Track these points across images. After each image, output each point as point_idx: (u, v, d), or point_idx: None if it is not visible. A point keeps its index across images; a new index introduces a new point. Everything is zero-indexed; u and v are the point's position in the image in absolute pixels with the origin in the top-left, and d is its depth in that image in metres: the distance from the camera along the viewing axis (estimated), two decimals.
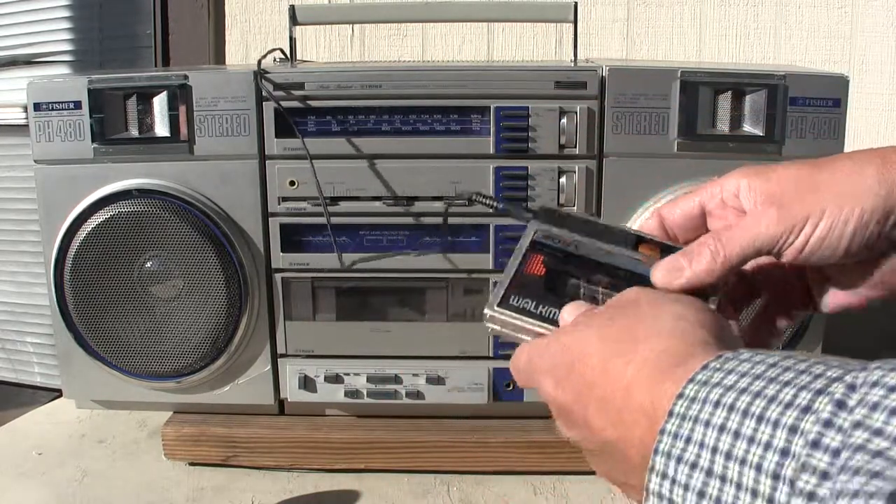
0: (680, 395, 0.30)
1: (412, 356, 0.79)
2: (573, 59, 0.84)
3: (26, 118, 0.76)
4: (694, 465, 0.28)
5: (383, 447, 0.79)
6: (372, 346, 0.79)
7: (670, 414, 0.30)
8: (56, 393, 0.99)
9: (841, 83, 0.72)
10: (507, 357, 0.80)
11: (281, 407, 0.83)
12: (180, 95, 0.74)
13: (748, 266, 0.43)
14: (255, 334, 0.79)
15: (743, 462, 0.27)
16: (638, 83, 0.73)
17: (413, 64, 0.95)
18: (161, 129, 0.75)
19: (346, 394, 0.79)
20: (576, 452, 0.81)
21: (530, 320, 0.42)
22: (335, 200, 0.76)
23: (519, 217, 0.47)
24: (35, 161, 0.77)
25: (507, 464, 0.79)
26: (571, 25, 0.84)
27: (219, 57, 1.24)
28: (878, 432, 0.24)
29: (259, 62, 0.76)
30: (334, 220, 0.76)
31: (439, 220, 0.76)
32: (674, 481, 0.29)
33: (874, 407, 0.25)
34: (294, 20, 0.87)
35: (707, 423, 0.28)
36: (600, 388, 0.35)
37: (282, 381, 0.80)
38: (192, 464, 0.81)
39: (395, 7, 0.92)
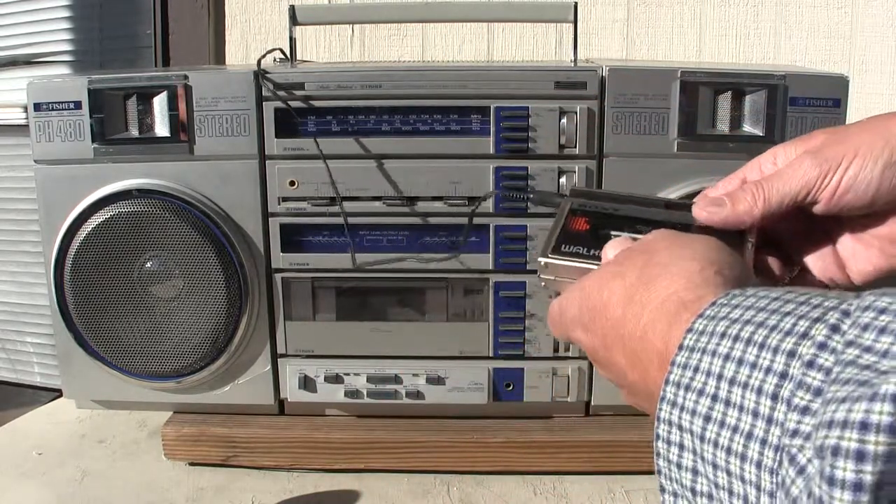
0: (689, 330, 0.32)
1: (412, 356, 0.79)
2: (573, 59, 0.84)
3: (26, 118, 0.76)
4: (701, 392, 0.30)
5: (383, 447, 0.79)
6: (372, 346, 0.79)
7: (680, 347, 0.32)
8: (56, 393, 0.99)
9: (841, 83, 0.72)
10: (507, 357, 0.81)
11: (281, 407, 0.83)
12: (180, 95, 0.74)
13: (784, 229, 0.46)
14: (255, 334, 0.79)
15: (745, 386, 0.28)
16: (638, 83, 0.73)
17: (413, 64, 0.95)
18: (161, 129, 0.75)
19: (346, 394, 0.79)
20: (576, 452, 0.81)
21: (581, 261, 0.45)
22: (335, 200, 0.76)
23: (552, 202, 0.50)
24: (35, 161, 0.77)
25: (507, 464, 0.79)
26: (571, 25, 0.84)
27: (219, 57, 1.24)
28: (867, 349, 0.26)
29: (259, 62, 0.76)
30: (335, 219, 0.76)
31: (439, 220, 0.76)
32: (682, 408, 0.31)
33: (865, 327, 0.26)
34: (294, 20, 0.87)
35: (713, 353, 0.30)
36: (622, 332, 0.37)
37: (282, 381, 0.80)
38: (192, 464, 0.81)
39: (395, 7, 0.92)
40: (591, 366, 0.79)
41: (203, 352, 0.77)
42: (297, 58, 0.90)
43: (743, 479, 0.28)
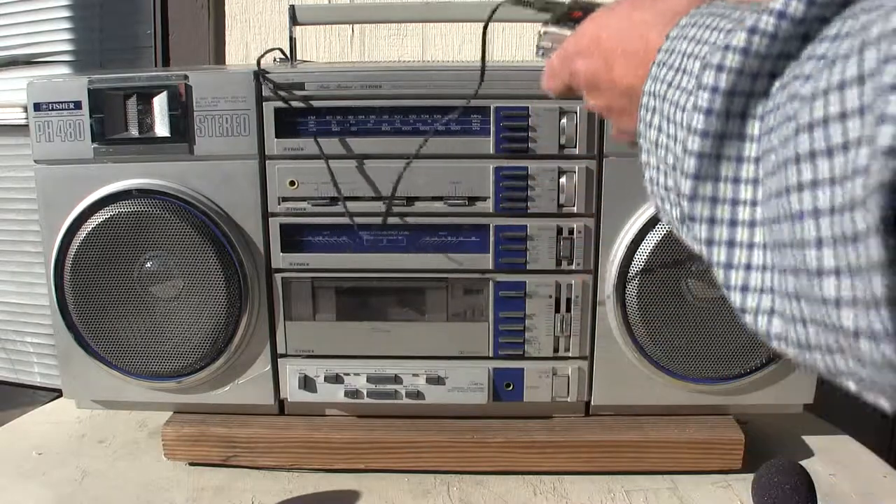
0: (676, 25, 0.39)
1: (412, 356, 0.79)
2: None
3: (26, 118, 0.76)
4: (669, 66, 0.38)
5: (383, 447, 0.79)
6: (372, 346, 0.79)
7: (667, 37, 0.39)
8: (56, 393, 0.99)
9: None
10: (507, 357, 0.81)
11: (281, 407, 0.83)
12: (180, 95, 0.74)
13: None
14: (255, 334, 0.79)
15: (693, 56, 0.36)
16: None
17: (413, 64, 0.95)
18: (161, 129, 0.75)
19: (346, 394, 0.79)
20: (576, 452, 0.81)
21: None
22: (335, 200, 0.76)
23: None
24: (35, 161, 0.77)
25: (507, 464, 0.79)
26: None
27: (219, 57, 1.24)
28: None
29: (258, 62, 0.76)
30: (334, 219, 0.76)
31: (439, 220, 0.76)
32: (655, 78, 0.39)
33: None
34: (294, 20, 0.87)
35: (683, 38, 0.38)
36: (626, 45, 0.44)
37: (282, 381, 0.80)
38: (192, 464, 0.81)
39: (395, 7, 0.92)
40: (591, 366, 0.79)
41: (203, 352, 0.77)
42: (297, 58, 0.89)
43: (676, 122, 0.36)
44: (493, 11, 0.61)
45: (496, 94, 0.73)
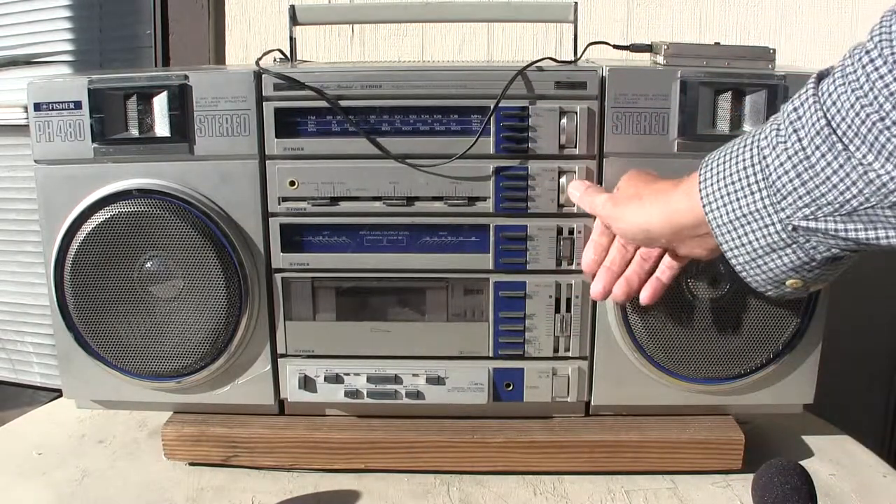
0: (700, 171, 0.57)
1: (412, 356, 0.79)
2: (573, 59, 0.84)
3: (26, 118, 0.76)
4: (713, 169, 0.55)
5: (383, 447, 0.79)
6: (372, 346, 0.79)
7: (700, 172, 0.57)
8: (56, 393, 0.99)
9: None
10: (507, 357, 0.81)
11: (281, 407, 0.83)
12: (180, 95, 0.74)
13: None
14: (255, 334, 0.79)
15: (738, 153, 0.53)
16: (638, 83, 0.73)
17: (413, 64, 0.95)
18: (161, 129, 0.75)
19: (346, 394, 0.79)
20: (576, 452, 0.81)
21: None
22: (335, 200, 0.76)
23: None
24: (35, 161, 0.77)
25: (507, 464, 0.79)
26: (571, 25, 0.84)
27: (219, 57, 1.24)
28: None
29: (258, 62, 0.76)
30: (334, 220, 0.76)
31: (439, 220, 0.76)
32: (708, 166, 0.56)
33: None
34: (294, 20, 0.87)
35: (716, 161, 0.55)
36: (656, 186, 0.62)
37: (282, 381, 0.80)
38: (192, 464, 0.81)
39: (395, 7, 0.92)
40: (591, 366, 0.79)
41: (203, 352, 0.77)
42: (297, 58, 0.89)
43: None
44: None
45: (496, 93, 0.73)
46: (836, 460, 0.82)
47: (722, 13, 1.14)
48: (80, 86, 0.75)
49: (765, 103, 0.71)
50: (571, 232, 0.76)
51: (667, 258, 0.67)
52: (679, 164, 0.73)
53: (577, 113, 0.73)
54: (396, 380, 0.79)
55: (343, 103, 0.74)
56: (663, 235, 0.59)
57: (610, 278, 0.68)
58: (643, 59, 0.83)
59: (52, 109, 0.75)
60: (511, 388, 0.79)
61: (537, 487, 0.77)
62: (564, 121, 0.74)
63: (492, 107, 0.73)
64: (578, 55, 0.82)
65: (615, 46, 0.84)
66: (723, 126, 0.73)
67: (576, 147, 0.74)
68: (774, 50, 0.75)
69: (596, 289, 0.68)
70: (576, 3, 0.83)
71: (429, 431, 0.80)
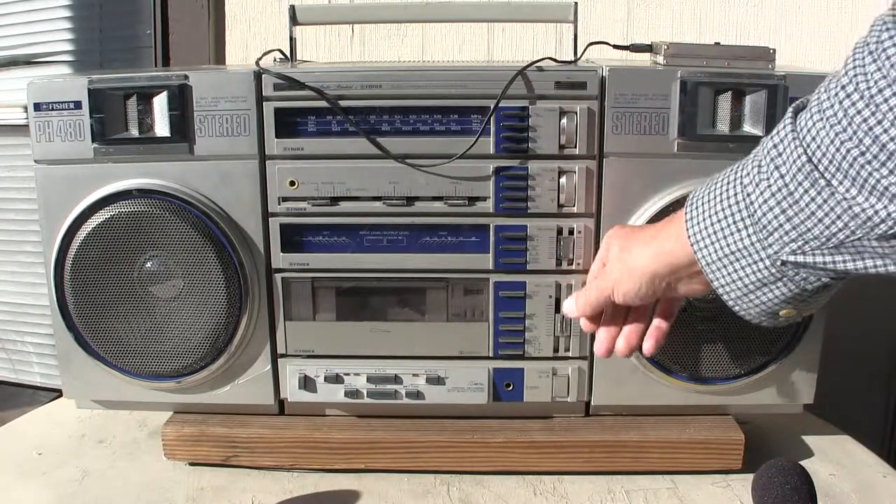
0: (686, 210, 0.56)
1: (412, 356, 0.79)
2: (573, 59, 0.84)
3: (26, 118, 0.76)
4: (698, 208, 0.55)
5: (383, 447, 0.79)
6: (372, 346, 0.79)
7: (686, 211, 0.56)
8: (56, 393, 0.99)
9: None
10: (507, 357, 0.81)
11: (281, 407, 0.83)
12: (180, 95, 0.74)
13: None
14: (255, 334, 0.79)
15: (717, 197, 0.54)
16: (638, 83, 0.73)
17: (413, 64, 0.95)
18: (161, 129, 0.75)
19: (346, 394, 0.79)
20: (576, 452, 0.81)
21: None
22: (335, 200, 0.76)
23: None
24: (35, 161, 0.77)
25: (507, 464, 0.79)
26: (571, 25, 0.84)
27: (219, 57, 1.24)
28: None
29: (258, 62, 0.76)
30: (334, 220, 0.76)
31: (439, 220, 0.76)
32: (693, 205, 0.56)
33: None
34: (294, 20, 0.87)
35: (701, 199, 0.55)
36: (642, 235, 0.62)
37: (282, 381, 0.80)
38: (192, 464, 0.81)
39: (395, 7, 0.92)
40: (591, 366, 0.79)
41: (203, 352, 0.77)
42: (297, 58, 0.89)
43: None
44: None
45: (496, 93, 0.73)
46: (836, 460, 0.82)
47: (722, 13, 1.14)
48: (80, 86, 0.75)
49: (765, 103, 0.71)
50: (571, 232, 0.76)
51: (660, 307, 0.66)
52: (679, 164, 0.73)
53: (577, 113, 0.73)
54: (396, 380, 0.79)
55: (343, 103, 0.74)
56: (663, 281, 0.59)
57: (610, 335, 0.66)
58: (643, 59, 0.83)
59: (52, 109, 0.75)
60: (511, 388, 0.79)
61: (537, 487, 0.77)
62: (564, 121, 0.73)
63: (492, 107, 0.73)
64: (578, 55, 0.82)
65: (615, 46, 0.84)
66: (723, 126, 0.73)
67: (576, 147, 0.74)
68: (774, 50, 0.75)
69: (599, 349, 0.67)
70: (576, 3, 0.83)
71: (429, 431, 0.80)
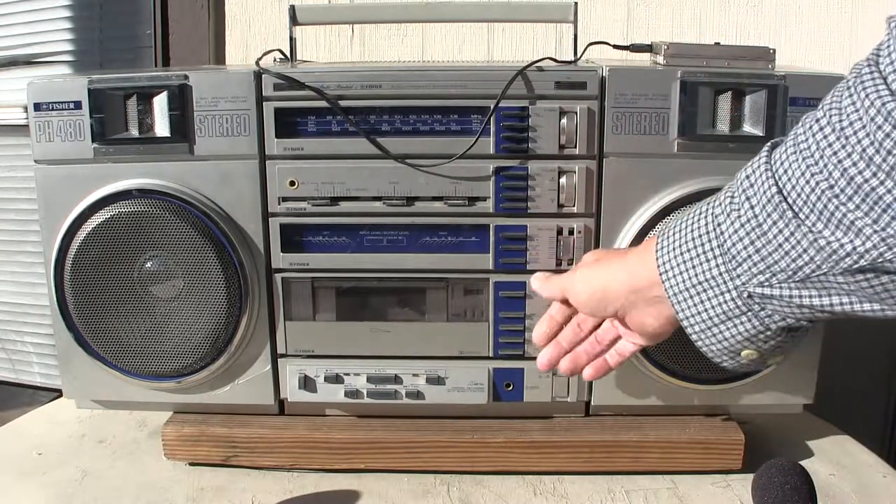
0: (658, 239, 0.57)
1: (412, 356, 0.79)
2: (573, 59, 0.84)
3: (26, 118, 0.76)
4: (670, 242, 0.55)
5: (383, 447, 0.79)
6: (372, 346, 0.79)
7: (658, 240, 0.57)
8: (56, 393, 0.99)
9: None
10: (507, 357, 0.81)
11: (281, 407, 0.83)
12: (180, 95, 0.74)
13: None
14: (255, 334, 0.79)
15: (686, 227, 0.54)
16: (638, 83, 0.73)
17: (413, 64, 0.95)
18: (161, 129, 0.75)
19: (346, 394, 0.79)
20: (576, 452, 0.81)
21: None
22: (335, 200, 0.76)
23: None
24: (35, 161, 0.77)
25: (507, 464, 0.79)
26: (571, 25, 0.84)
27: (219, 57, 1.24)
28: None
29: (258, 62, 0.76)
30: (334, 220, 0.76)
31: (439, 220, 0.76)
32: (664, 243, 0.55)
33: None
34: (294, 20, 0.87)
35: (673, 230, 0.56)
36: (616, 252, 0.65)
37: (282, 381, 0.80)
38: (192, 464, 0.81)
39: (395, 7, 0.92)
40: None
41: (203, 352, 0.77)
42: (297, 58, 0.89)
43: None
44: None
45: (496, 94, 0.73)
46: (836, 460, 0.82)
47: (722, 13, 1.14)
48: (80, 86, 0.75)
49: (765, 103, 0.71)
50: (571, 232, 0.76)
51: (619, 344, 0.67)
52: (679, 164, 0.73)
53: (577, 113, 0.73)
54: (396, 380, 0.79)
55: (343, 103, 0.74)
56: (619, 297, 0.59)
57: (557, 352, 0.68)
58: (643, 59, 0.83)
59: (52, 109, 0.75)
60: (511, 388, 0.79)
61: (537, 487, 0.77)
62: (564, 121, 0.74)
63: (492, 107, 0.73)
64: (578, 55, 0.82)
65: (615, 46, 0.84)
66: (723, 126, 0.73)
67: (576, 147, 0.74)
68: (774, 50, 0.76)
69: (542, 360, 0.68)
70: (576, 3, 0.83)
71: (429, 431, 0.80)
